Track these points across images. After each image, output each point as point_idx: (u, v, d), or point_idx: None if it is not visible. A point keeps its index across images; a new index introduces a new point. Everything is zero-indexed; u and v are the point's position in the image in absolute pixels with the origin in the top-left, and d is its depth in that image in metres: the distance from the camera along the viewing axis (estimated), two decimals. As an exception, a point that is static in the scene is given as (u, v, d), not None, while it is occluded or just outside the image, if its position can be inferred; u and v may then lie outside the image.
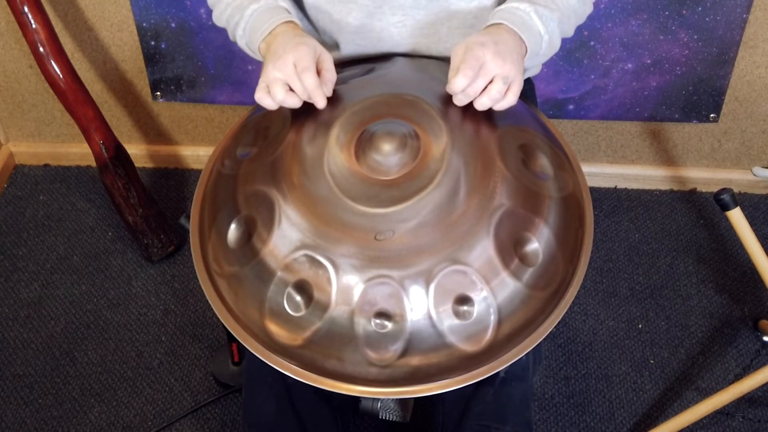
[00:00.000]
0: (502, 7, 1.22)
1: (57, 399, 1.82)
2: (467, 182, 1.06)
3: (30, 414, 1.80)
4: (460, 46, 1.14)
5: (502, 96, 1.11)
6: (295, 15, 1.28)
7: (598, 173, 2.23)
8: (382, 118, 1.11)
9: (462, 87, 1.09)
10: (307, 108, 1.15)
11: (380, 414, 1.45)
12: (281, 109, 1.18)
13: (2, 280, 2.05)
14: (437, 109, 1.11)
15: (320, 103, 1.13)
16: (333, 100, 1.14)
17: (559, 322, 1.06)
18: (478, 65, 1.10)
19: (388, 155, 1.07)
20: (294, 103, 1.13)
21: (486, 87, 1.10)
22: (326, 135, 1.10)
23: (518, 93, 1.13)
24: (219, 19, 1.33)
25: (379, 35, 1.30)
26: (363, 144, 1.08)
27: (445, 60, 1.32)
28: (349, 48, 1.33)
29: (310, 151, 1.09)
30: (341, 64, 1.30)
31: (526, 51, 1.18)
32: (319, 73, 1.14)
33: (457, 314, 1.03)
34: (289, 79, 1.12)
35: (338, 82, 1.16)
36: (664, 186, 2.25)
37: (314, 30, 1.38)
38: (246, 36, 1.25)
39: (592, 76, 2.00)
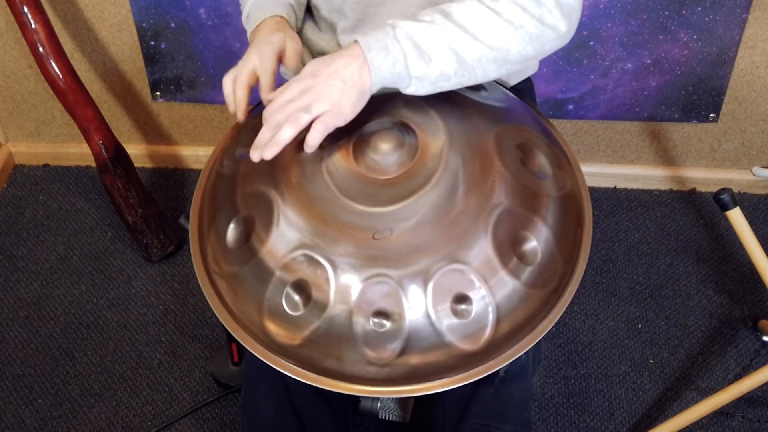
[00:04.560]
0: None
1: (57, 399, 1.82)
2: (465, 181, 1.06)
3: (30, 414, 1.80)
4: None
5: (300, 125, 1.05)
6: (297, 7, 1.31)
7: (598, 173, 2.24)
8: (380, 117, 1.11)
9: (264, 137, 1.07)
10: None
11: (380, 414, 1.45)
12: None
13: (2, 280, 2.06)
14: (435, 107, 1.11)
15: (239, 116, 1.19)
16: None
17: (558, 322, 1.06)
18: (280, 102, 1.07)
19: (385, 154, 1.07)
20: (228, 102, 1.19)
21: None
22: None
23: (328, 127, 1.05)
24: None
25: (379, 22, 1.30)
26: (361, 143, 1.09)
27: None
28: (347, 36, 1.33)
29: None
30: None
31: (374, 76, 1.05)
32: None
33: (456, 313, 1.03)
34: (239, 74, 1.18)
35: None
36: (663, 186, 2.25)
37: (314, 23, 1.39)
38: (247, 24, 1.29)
39: (592, 76, 2.00)
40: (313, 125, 1.05)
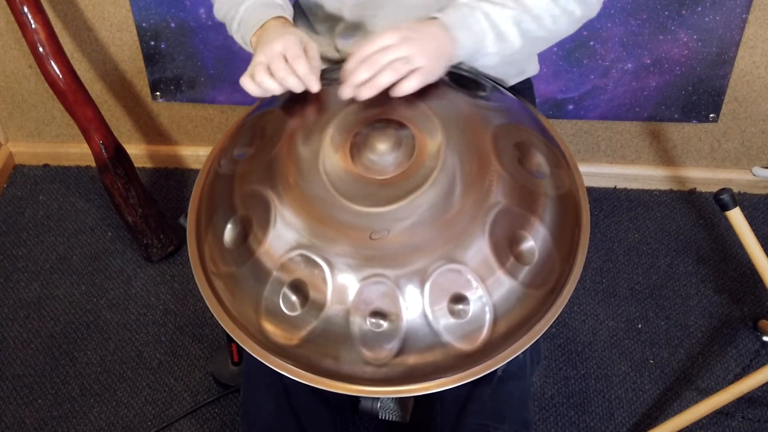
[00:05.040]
0: (450, 3, 1.19)
1: (57, 399, 1.82)
2: (463, 181, 1.06)
3: (30, 414, 1.80)
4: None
5: (399, 73, 1.08)
6: (288, 11, 1.29)
7: (598, 173, 2.23)
8: (377, 118, 1.11)
9: (356, 62, 1.08)
10: (304, 108, 1.15)
11: (380, 414, 1.45)
12: (278, 110, 1.18)
13: (2, 280, 2.06)
14: (432, 107, 1.11)
15: (314, 87, 1.12)
16: (329, 99, 1.14)
17: (558, 322, 1.06)
18: (380, 45, 1.08)
19: (383, 154, 1.07)
20: (272, 87, 1.12)
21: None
22: (321, 135, 1.10)
23: (422, 82, 1.09)
24: (218, 12, 1.34)
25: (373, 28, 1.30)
26: (358, 143, 1.08)
27: None
28: (345, 40, 1.34)
29: (306, 151, 1.09)
30: (337, 65, 1.30)
31: (459, 49, 1.14)
32: None
33: (453, 313, 1.03)
34: (272, 62, 1.12)
35: (333, 82, 1.16)
36: (663, 186, 2.25)
37: (309, 26, 1.39)
38: (240, 30, 1.26)
39: (592, 76, 2.00)
40: (412, 74, 1.08)
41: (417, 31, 1.11)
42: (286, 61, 1.12)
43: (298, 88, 1.13)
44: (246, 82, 1.14)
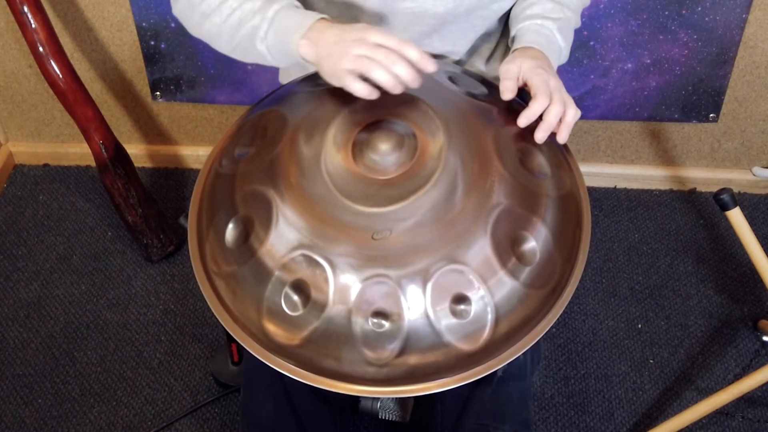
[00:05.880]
0: (525, 25, 1.26)
1: (57, 399, 1.82)
2: (464, 181, 1.06)
3: (30, 414, 1.80)
4: (511, 65, 1.17)
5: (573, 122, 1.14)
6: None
7: (598, 173, 2.23)
8: (379, 118, 1.11)
9: (539, 112, 1.12)
10: (305, 108, 1.15)
11: (380, 414, 1.45)
12: (279, 109, 1.18)
13: (2, 280, 2.06)
14: (434, 108, 1.11)
15: (430, 66, 1.07)
16: (330, 99, 1.14)
17: (558, 322, 1.07)
18: (548, 91, 1.13)
19: (385, 154, 1.07)
20: (386, 80, 1.06)
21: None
22: (323, 134, 1.10)
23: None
24: (218, 26, 1.21)
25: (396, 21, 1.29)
26: (360, 143, 1.08)
27: (435, 56, 1.33)
28: None
29: (308, 150, 1.09)
30: None
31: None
32: None
33: (455, 313, 1.03)
34: (374, 53, 1.06)
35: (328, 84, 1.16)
36: (663, 186, 2.25)
37: None
38: (271, 37, 1.16)
39: (592, 76, 2.00)
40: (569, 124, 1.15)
41: (550, 68, 1.19)
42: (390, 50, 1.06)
43: (410, 75, 1.06)
44: (352, 83, 1.07)
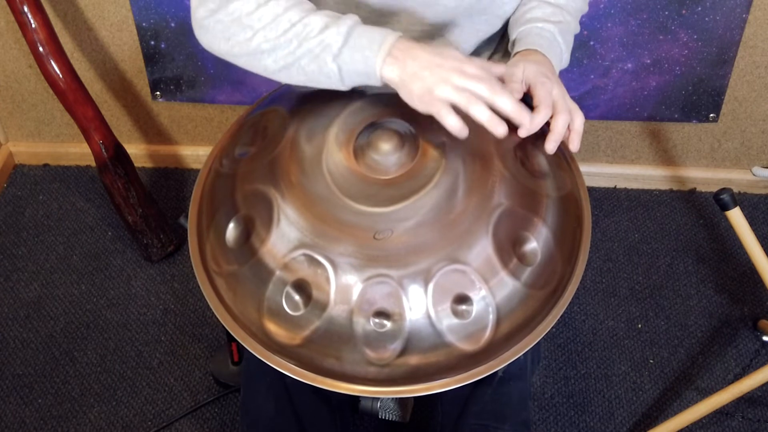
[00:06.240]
0: (526, 28, 1.26)
1: (57, 399, 1.82)
2: (466, 181, 1.06)
3: (30, 414, 1.80)
4: (515, 68, 1.16)
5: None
6: None
7: (598, 173, 2.24)
8: (381, 117, 1.11)
9: (540, 124, 1.11)
10: (306, 107, 1.15)
11: (380, 414, 1.45)
12: (280, 108, 1.18)
13: (2, 280, 2.06)
14: None
15: (527, 121, 1.08)
16: (331, 99, 1.14)
17: (558, 322, 1.06)
18: (551, 101, 1.12)
19: (386, 154, 1.07)
20: (488, 121, 1.03)
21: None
22: (325, 134, 1.10)
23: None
24: (271, 42, 1.10)
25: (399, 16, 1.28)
26: (361, 143, 1.08)
27: None
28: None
29: (309, 150, 1.09)
30: None
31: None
32: None
33: (456, 313, 1.03)
34: (481, 92, 1.03)
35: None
36: (663, 186, 2.25)
37: None
38: (346, 55, 1.06)
39: (592, 76, 2.00)
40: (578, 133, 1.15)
41: (553, 73, 1.18)
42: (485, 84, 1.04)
43: (515, 113, 1.06)
44: (447, 115, 1.03)
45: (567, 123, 1.12)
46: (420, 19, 1.27)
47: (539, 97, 1.12)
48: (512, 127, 1.12)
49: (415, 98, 1.05)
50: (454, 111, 1.03)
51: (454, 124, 1.03)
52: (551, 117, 1.12)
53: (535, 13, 1.27)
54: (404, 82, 1.05)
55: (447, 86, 1.02)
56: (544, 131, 1.14)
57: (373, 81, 1.07)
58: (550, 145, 1.12)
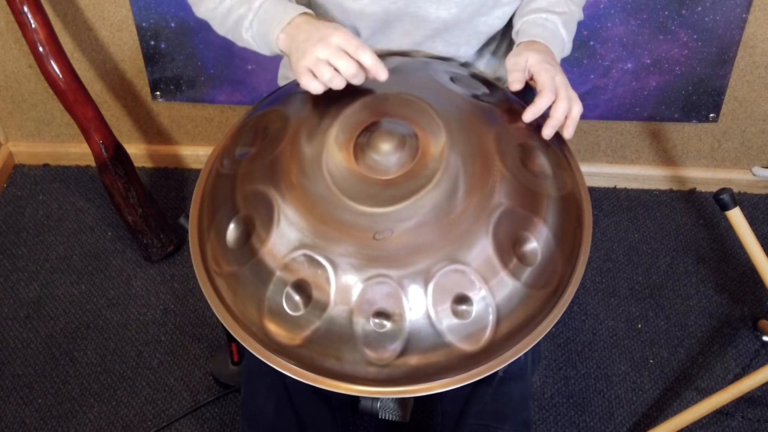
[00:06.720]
0: (530, 18, 1.27)
1: (57, 399, 1.82)
2: (466, 181, 1.06)
3: (30, 414, 1.80)
4: (519, 58, 1.19)
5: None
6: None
7: (598, 173, 2.24)
8: (381, 118, 1.11)
9: (544, 108, 1.14)
10: (307, 107, 1.15)
11: (380, 414, 1.45)
12: (280, 109, 1.18)
13: (2, 280, 2.05)
14: (436, 108, 1.11)
15: (383, 75, 1.12)
16: (332, 99, 1.14)
17: (558, 322, 1.06)
18: (554, 87, 1.14)
19: (386, 155, 1.07)
20: (339, 83, 1.12)
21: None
22: (325, 134, 1.10)
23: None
24: (211, 11, 1.29)
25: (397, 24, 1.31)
26: (362, 143, 1.08)
27: (441, 59, 1.33)
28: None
29: (309, 150, 1.09)
30: None
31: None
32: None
33: (456, 313, 1.03)
34: (334, 59, 1.11)
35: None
36: (663, 186, 2.25)
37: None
38: (255, 27, 1.22)
39: (592, 76, 2.00)
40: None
41: (554, 62, 1.20)
42: (347, 53, 1.11)
43: (361, 80, 1.13)
44: (308, 82, 1.12)
45: (566, 111, 1.14)
46: (421, 24, 1.28)
47: (542, 82, 1.15)
48: (517, 119, 1.13)
49: (293, 70, 1.16)
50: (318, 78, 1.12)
51: (315, 89, 1.12)
52: (552, 103, 1.14)
53: (540, 3, 1.29)
54: (289, 55, 1.18)
55: (309, 56, 1.12)
56: (539, 124, 1.15)
57: (277, 51, 1.21)
58: (548, 131, 1.14)
